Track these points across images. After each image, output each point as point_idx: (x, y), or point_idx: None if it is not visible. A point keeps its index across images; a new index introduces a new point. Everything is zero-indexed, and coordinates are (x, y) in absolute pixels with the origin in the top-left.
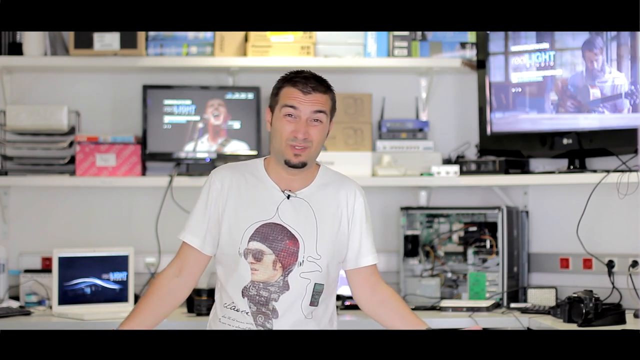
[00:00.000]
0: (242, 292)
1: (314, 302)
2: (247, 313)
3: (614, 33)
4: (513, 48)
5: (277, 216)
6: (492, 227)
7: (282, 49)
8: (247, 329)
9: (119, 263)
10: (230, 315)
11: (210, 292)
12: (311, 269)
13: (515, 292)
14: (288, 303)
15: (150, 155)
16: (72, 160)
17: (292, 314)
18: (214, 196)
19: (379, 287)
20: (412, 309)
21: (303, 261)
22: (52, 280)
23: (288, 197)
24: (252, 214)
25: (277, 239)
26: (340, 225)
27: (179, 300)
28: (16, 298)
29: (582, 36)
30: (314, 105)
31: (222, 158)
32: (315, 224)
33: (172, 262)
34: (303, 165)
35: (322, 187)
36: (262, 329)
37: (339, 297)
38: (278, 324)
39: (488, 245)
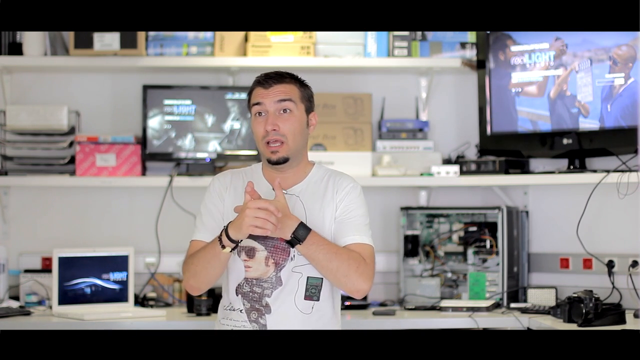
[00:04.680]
0: (237, 290)
1: (311, 297)
2: (241, 311)
3: (613, 32)
4: (513, 48)
5: None
6: (492, 227)
7: (282, 49)
8: (242, 327)
9: (119, 263)
10: (228, 315)
11: (210, 292)
12: (303, 262)
13: (515, 292)
14: (281, 298)
15: (150, 155)
16: (72, 160)
17: (285, 309)
18: (214, 197)
19: None
20: (412, 309)
21: (295, 255)
22: (52, 280)
23: None
24: None
25: (269, 236)
26: (328, 215)
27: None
28: (16, 298)
29: (582, 36)
30: (276, 95)
31: (222, 158)
32: (305, 218)
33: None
34: (285, 160)
35: (314, 183)
36: (256, 325)
37: None
38: (271, 319)
39: (488, 245)
